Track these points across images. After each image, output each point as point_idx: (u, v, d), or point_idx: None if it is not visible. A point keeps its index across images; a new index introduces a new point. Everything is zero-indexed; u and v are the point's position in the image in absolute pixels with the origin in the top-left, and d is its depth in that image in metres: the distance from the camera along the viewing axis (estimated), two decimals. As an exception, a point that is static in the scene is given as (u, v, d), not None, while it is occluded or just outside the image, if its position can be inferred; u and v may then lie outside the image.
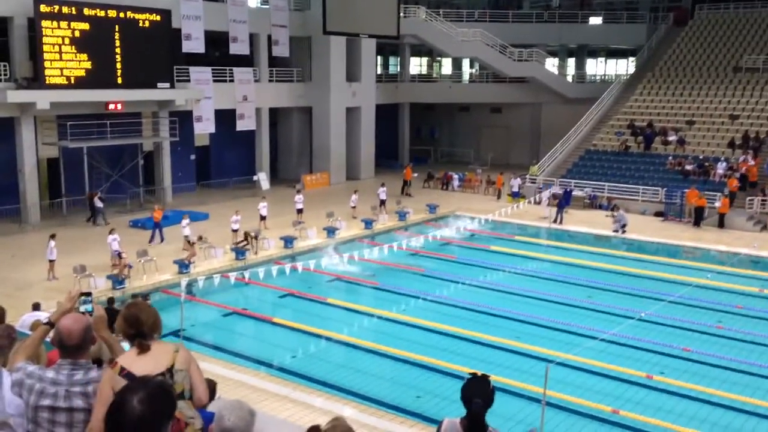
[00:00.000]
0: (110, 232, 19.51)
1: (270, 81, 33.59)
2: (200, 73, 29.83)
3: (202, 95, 29.55)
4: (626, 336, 15.03)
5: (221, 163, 34.20)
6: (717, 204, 26.19)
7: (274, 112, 34.95)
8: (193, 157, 33.11)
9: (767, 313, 16.92)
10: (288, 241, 22.32)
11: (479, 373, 4.16)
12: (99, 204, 25.17)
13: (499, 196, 31.54)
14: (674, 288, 18.56)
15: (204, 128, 30.64)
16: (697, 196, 26.64)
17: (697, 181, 28.49)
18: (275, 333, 15.94)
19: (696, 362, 14.06)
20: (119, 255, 18.64)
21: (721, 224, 25.92)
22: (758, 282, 19.54)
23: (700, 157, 30.15)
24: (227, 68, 31.31)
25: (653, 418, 11.27)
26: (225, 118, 31.02)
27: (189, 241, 20.67)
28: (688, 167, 29.53)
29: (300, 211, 25.64)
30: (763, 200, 26.44)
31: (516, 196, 30.32)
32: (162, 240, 22.49)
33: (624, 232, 24.98)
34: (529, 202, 29.15)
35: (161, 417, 2.39)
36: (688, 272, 20.61)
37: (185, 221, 21.47)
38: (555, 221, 26.76)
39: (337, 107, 35.14)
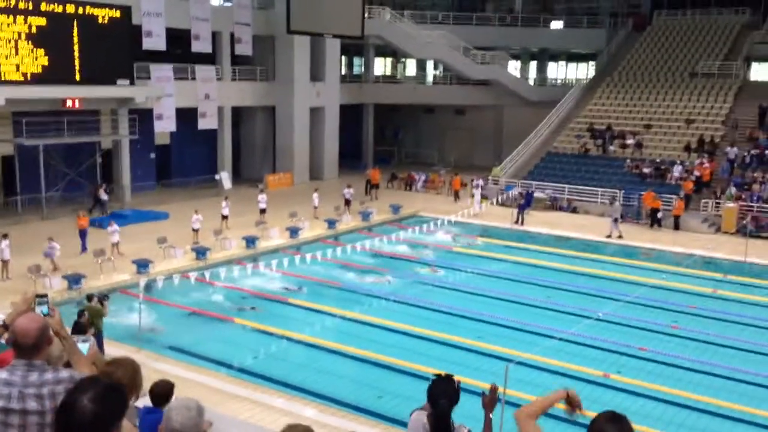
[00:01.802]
0: (49, 240, 19.00)
1: (233, 80, 33.30)
2: (161, 71, 29.40)
3: (162, 93, 29.14)
4: (584, 335, 15.29)
5: (182, 161, 33.77)
6: (672, 206, 26.82)
7: (236, 111, 34.65)
8: (153, 155, 32.63)
9: (720, 313, 17.40)
10: (250, 241, 22.16)
11: (444, 373, 4.23)
12: (104, 197, 26.40)
13: (456, 198, 31.76)
14: (631, 288, 18.95)
15: (165, 126, 30.21)
16: (652, 198, 27.24)
17: (654, 183, 29.12)
18: (236, 334, 15.81)
19: (652, 361, 14.38)
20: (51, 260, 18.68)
21: (676, 226, 26.55)
22: (711, 283, 20.06)
23: (657, 160, 30.83)
24: (189, 66, 30.94)
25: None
26: (186, 116, 30.64)
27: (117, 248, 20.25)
28: (645, 170, 30.17)
29: (263, 211, 25.48)
30: (717, 203, 27.16)
31: (483, 198, 30.57)
32: (84, 250, 20.58)
33: (617, 221, 25.25)
34: (492, 204, 29.47)
35: (112, 416, 2.36)
36: (645, 273, 21.07)
37: (111, 227, 20.47)
38: (516, 222, 27.09)
39: (300, 107, 35.01)
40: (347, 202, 27.65)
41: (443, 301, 18.25)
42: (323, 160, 36.79)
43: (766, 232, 25.26)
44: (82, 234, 21.11)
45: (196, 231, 22.15)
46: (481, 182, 31.52)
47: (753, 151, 29.46)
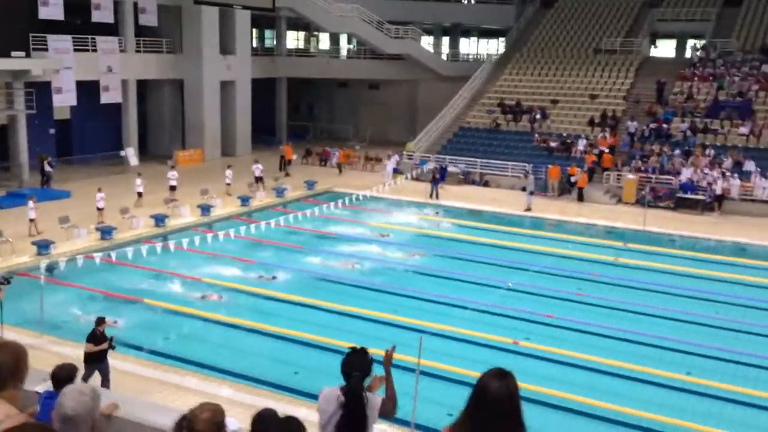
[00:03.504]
0: None
1: (137, 51, 31.93)
2: (59, 42, 27.80)
3: (61, 65, 27.58)
4: (495, 305, 15.77)
5: (84, 137, 32.24)
6: (576, 179, 27.84)
7: (142, 85, 33.32)
8: (52, 131, 30.97)
9: (621, 280, 18.30)
10: (159, 219, 21.49)
11: (358, 347, 4.25)
12: (48, 168, 25.97)
13: (340, 171, 31.89)
14: (539, 258, 19.66)
15: (64, 100, 28.68)
16: (559, 171, 28.21)
17: (560, 157, 30.14)
18: (146, 315, 15.35)
19: (558, 327, 14.99)
20: None
21: (580, 198, 27.63)
22: (613, 251, 21.04)
23: (564, 134, 31.89)
24: (89, 37, 29.42)
25: (520, 382, 11.90)
26: (88, 90, 29.19)
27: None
28: (552, 144, 31.18)
29: (173, 188, 24.73)
30: (618, 175, 28.42)
31: (395, 172, 30.80)
32: None
33: (532, 194, 25.95)
34: (406, 178, 29.71)
35: None
36: (552, 243, 21.87)
37: (32, 202, 19.89)
38: (431, 197, 27.47)
39: (210, 80, 34.02)
40: (258, 179, 27.22)
41: (358, 276, 18.35)
42: (235, 135, 35.99)
43: (663, 202, 26.67)
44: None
45: (100, 210, 21.27)
46: (397, 157, 31.75)
47: (652, 125, 30.94)
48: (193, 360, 12.96)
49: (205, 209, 23.15)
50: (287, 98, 41.76)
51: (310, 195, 27.53)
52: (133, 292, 16.46)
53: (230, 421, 5.60)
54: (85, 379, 10.37)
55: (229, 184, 26.33)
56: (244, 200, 24.83)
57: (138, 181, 23.84)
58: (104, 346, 11.17)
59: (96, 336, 11.22)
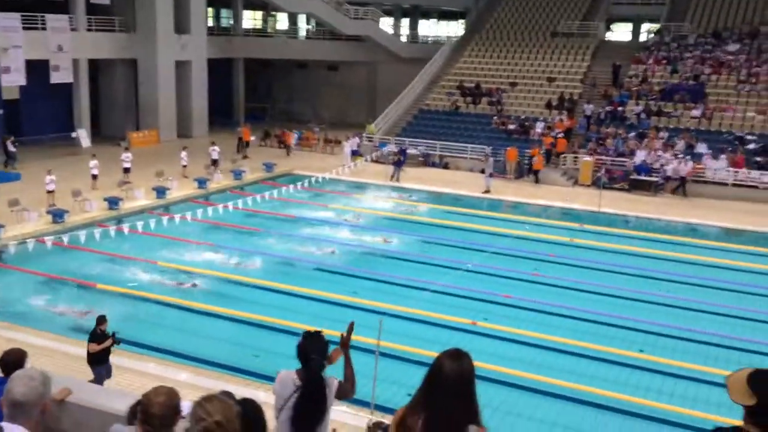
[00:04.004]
0: None
1: (89, 30, 31.04)
2: (7, 20, 26.85)
3: (9, 44, 26.65)
4: (454, 286, 15.90)
5: (34, 118, 31.30)
6: (534, 161, 28.14)
7: (94, 65, 32.44)
8: (1, 111, 29.97)
9: (576, 260, 18.61)
10: (113, 202, 21.03)
11: (313, 330, 4.23)
12: (12, 148, 25.78)
13: (288, 152, 31.74)
14: (497, 240, 19.87)
15: (13, 80, 27.74)
16: (516, 154, 28.48)
17: (519, 139, 30.42)
18: (100, 299, 15.03)
19: (515, 307, 15.19)
20: None
21: (537, 180, 27.96)
22: (568, 232, 21.37)
23: (522, 117, 32.17)
24: (39, 15, 28.45)
25: (477, 361, 12.06)
26: (38, 69, 28.28)
27: None
28: (511, 126, 31.43)
29: (127, 170, 24.21)
30: (575, 157, 28.83)
31: (354, 154, 30.68)
32: None
33: (491, 176, 26.06)
34: (366, 161, 29.65)
35: None
36: (509, 225, 22.12)
37: None
38: (392, 179, 27.44)
39: (165, 60, 33.30)
40: (214, 162, 26.82)
41: (318, 258, 18.29)
42: (191, 116, 35.37)
43: (618, 183, 27.17)
44: None
45: (50, 193, 20.71)
46: (357, 140, 31.61)
47: (607, 108, 31.42)
48: (150, 345, 12.77)
49: (161, 192, 22.74)
50: (245, 79, 41.17)
51: (269, 177, 27.26)
52: (86, 277, 16.11)
53: (187, 405, 5.54)
54: (100, 382, 9.96)
55: (185, 166, 25.89)
56: (201, 182, 24.45)
57: (93, 162, 23.27)
58: (107, 344, 10.57)
59: (97, 335, 10.59)
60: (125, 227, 18.23)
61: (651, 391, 11.78)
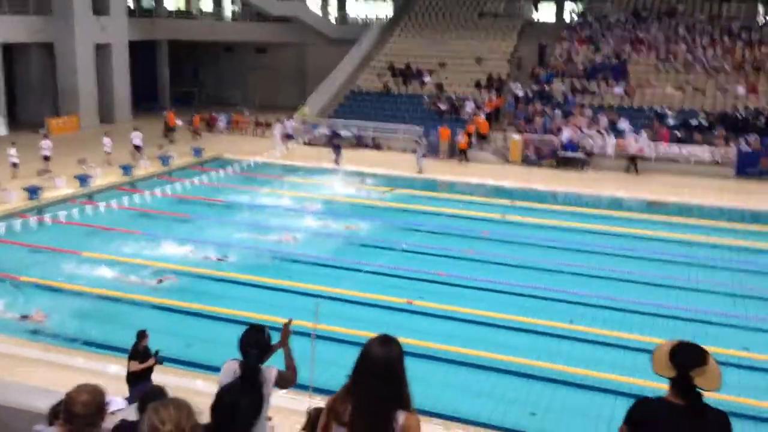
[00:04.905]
0: None
1: (1, 13, 29.42)
2: None
3: None
4: (389, 266, 15.95)
5: (-57, 106, 29.55)
6: (460, 139, 28.34)
7: (8, 49, 30.82)
8: None
9: (508, 236, 18.95)
10: (32, 191, 20.11)
11: (256, 325, 4.40)
12: None
13: (199, 135, 30.89)
14: (431, 218, 20.02)
15: None
16: (449, 134, 28.70)
17: (450, 119, 30.66)
18: (22, 293, 14.40)
19: (450, 285, 15.36)
20: None
21: (465, 158, 28.19)
22: (501, 209, 21.73)
23: (453, 97, 32.41)
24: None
25: (413, 339, 12.17)
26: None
27: None
28: (442, 107, 31.64)
29: (46, 158, 23.20)
30: (504, 136, 29.25)
31: (290, 138, 30.25)
32: None
33: (424, 156, 26.14)
34: (297, 143, 29.30)
35: None
36: (443, 203, 22.32)
37: None
38: (336, 162, 26.90)
39: (83, 43, 31.94)
40: (137, 148, 25.97)
41: (250, 243, 18.01)
42: (113, 101, 34.14)
43: (547, 160, 27.77)
44: None
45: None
46: (289, 122, 31.13)
47: (534, 87, 32.01)
48: (79, 338, 12.33)
49: (83, 180, 21.89)
50: (171, 63, 39.96)
51: (198, 162, 26.62)
52: (5, 270, 15.37)
53: (117, 400, 5.34)
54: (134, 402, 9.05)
55: (109, 153, 24.98)
56: (126, 169, 23.65)
57: (12, 151, 22.19)
58: (151, 362, 9.66)
59: (138, 352, 9.66)
60: (47, 217, 17.47)
61: (582, 360, 12.15)
